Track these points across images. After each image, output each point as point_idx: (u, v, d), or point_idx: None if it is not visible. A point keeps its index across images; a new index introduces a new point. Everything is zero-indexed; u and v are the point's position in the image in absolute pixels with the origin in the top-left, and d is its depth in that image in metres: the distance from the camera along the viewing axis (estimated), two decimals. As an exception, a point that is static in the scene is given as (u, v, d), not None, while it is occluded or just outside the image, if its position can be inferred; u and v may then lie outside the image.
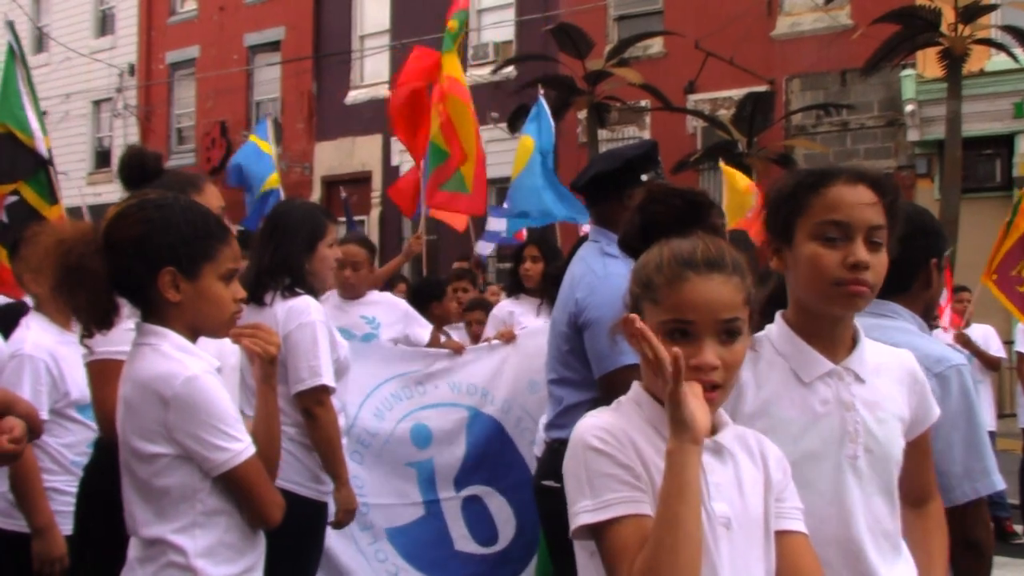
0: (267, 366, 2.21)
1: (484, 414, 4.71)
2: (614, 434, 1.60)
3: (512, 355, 4.77)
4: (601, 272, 3.05)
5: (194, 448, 1.98)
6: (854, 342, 1.90)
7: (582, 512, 1.57)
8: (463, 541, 4.65)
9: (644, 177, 3.16)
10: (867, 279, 1.80)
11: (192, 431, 1.97)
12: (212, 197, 2.83)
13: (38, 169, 5.39)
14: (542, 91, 8.87)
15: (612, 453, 1.58)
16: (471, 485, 4.67)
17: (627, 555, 1.51)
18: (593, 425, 1.62)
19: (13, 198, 5.30)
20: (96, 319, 2.05)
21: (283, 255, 3.42)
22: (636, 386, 1.70)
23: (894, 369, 1.92)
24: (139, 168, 3.01)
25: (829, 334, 1.87)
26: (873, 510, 1.84)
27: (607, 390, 2.95)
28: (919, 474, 1.98)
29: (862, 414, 1.84)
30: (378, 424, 4.55)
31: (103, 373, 2.58)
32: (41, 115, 5.66)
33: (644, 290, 1.64)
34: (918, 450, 1.95)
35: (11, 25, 6.69)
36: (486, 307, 5.90)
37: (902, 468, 1.90)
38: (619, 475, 1.56)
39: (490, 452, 4.69)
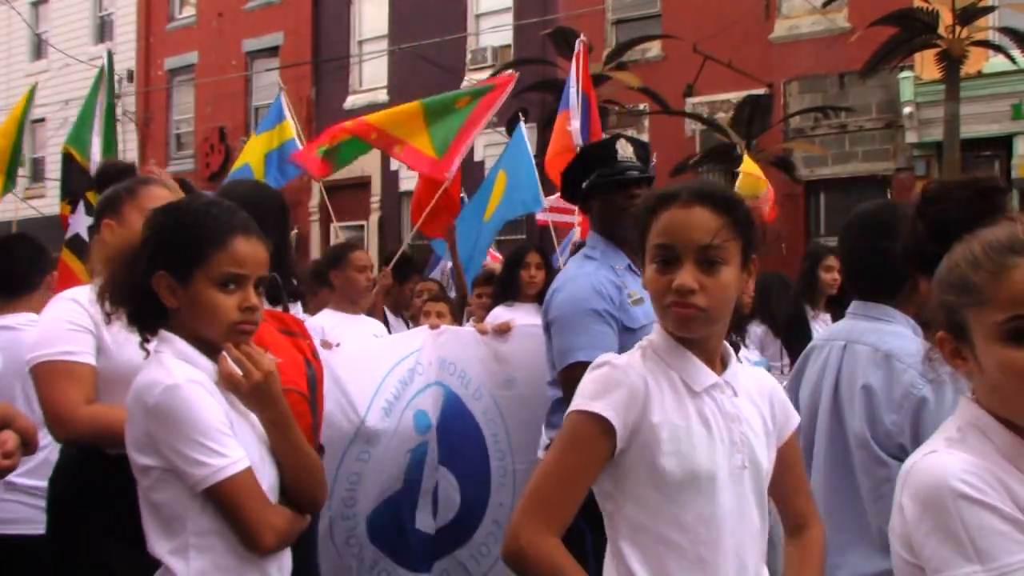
0: (251, 394, 2.01)
1: (455, 394, 4.67)
2: (984, 478, 1.40)
3: (499, 347, 4.73)
4: (572, 272, 3.23)
5: (175, 462, 1.89)
6: (724, 358, 1.89)
7: None
8: (423, 518, 4.58)
9: (585, 183, 3.29)
10: (695, 302, 1.74)
11: (171, 443, 1.88)
12: (153, 199, 2.66)
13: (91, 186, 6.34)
14: (522, 118, 8.13)
15: (995, 504, 1.38)
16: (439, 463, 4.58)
17: None
18: (954, 467, 1.42)
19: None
20: (141, 326, 2.06)
21: None
22: (973, 408, 1.50)
23: (755, 385, 1.93)
24: (102, 176, 3.47)
25: (704, 347, 1.85)
26: (754, 520, 1.85)
27: (564, 386, 3.11)
28: (794, 495, 1.99)
29: (743, 426, 1.84)
30: (386, 420, 4.51)
31: (48, 374, 2.52)
32: (109, 141, 6.26)
33: (961, 295, 1.46)
34: (788, 462, 1.95)
35: (109, 53, 7.16)
36: (448, 300, 5.88)
37: (779, 490, 1.94)
38: (1010, 533, 1.37)
39: (453, 432, 4.63)
